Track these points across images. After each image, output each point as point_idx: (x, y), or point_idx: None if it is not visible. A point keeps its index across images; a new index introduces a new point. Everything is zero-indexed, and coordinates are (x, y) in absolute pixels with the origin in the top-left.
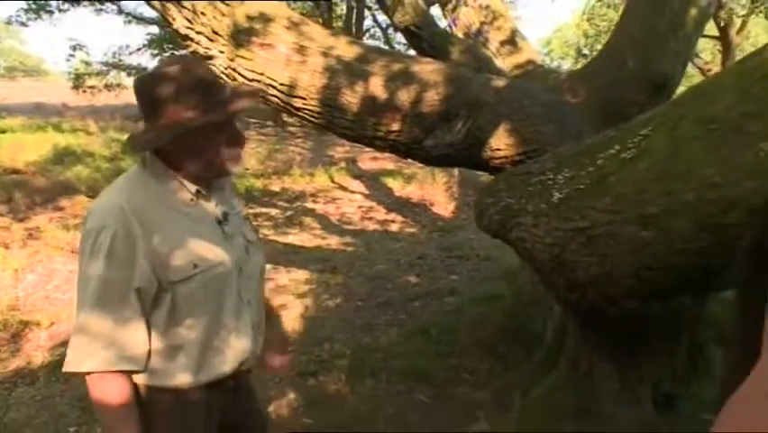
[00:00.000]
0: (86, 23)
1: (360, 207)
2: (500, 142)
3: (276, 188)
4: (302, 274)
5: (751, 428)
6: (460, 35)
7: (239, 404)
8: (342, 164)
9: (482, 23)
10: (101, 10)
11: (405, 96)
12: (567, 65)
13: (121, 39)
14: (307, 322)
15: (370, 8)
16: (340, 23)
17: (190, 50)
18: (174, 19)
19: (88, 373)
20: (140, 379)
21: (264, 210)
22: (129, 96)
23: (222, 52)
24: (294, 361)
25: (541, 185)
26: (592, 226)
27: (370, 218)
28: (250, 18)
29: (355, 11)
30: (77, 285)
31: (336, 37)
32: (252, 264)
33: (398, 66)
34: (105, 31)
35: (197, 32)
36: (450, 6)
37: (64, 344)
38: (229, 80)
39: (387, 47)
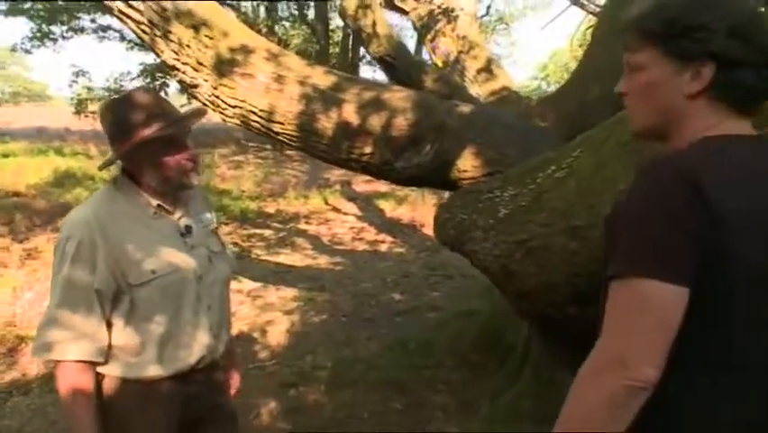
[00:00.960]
0: (89, 49)
1: (351, 228)
2: (467, 164)
3: (271, 209)
4: (290, 292)
5: (580, 403)
6: (439, 63)
7: (204, 398)
8: (337, 187)
9: (460, 53)
10: (104, 37)
11: (376, 122)
12: None
13: (122, 65)
14: (292, 337)
15: None
16: (338, 49)
17: (177, 79)
18: (162, 51)
19: (76, 362)
20: (112, 371)
21: (258, 231)
22: None
23: (206, 81)
24: (277, 373)
25: (489, 201)
26: (531, 239)
27: (360, 239)
28: (232, 50)
29: (351, 39)
30: (51, 285)
31: (312, 67)
32: (215, 273)
33: (370, 93)
34: (107, 57)
35: (183, 63)
36: (429, 36)
37: None
38: (213, 107)
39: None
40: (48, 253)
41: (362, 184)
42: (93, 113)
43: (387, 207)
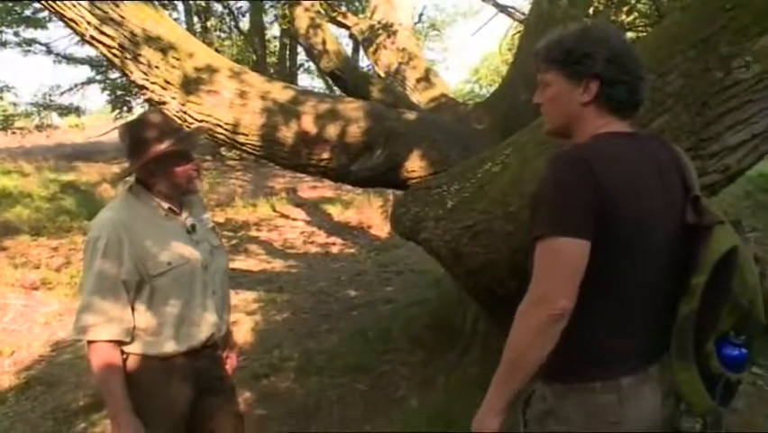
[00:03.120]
0: (13, 63)
1: (302, 232)
2: (414, 165)
3: (220, 219)
4: (250, 295)
5: (518, 332)
6: (381, 74)
7: (211, 371)
8: (283, 194)
9: (400, 64)
10: (29, 51)
11: (332, 130)
12: None
13: (50, 79)
14: (258, 334)
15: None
16: (274, 59)
17: (146, 97)
18: (132, 72)
19: (107, 342)
20: (135, 349)
21: None
22: (61, 137)
23: (174, 98)
24: (247, 367)
25: (438, 195)
26: (475, 224)
27: (311, 242)
28: (198, 69)
29: (288, 47)
30: (83, 277)
31: (272, 83)
32: (216, 264)
33: (325, 105)
34: (33, 71)
35: (152, 83)
36: (371, 49)
37: (29, 368)
38: (181, 122)
39: (320, 79)
40: None
41: (308, 190)
42: (20, 129)
43: (334, 211)
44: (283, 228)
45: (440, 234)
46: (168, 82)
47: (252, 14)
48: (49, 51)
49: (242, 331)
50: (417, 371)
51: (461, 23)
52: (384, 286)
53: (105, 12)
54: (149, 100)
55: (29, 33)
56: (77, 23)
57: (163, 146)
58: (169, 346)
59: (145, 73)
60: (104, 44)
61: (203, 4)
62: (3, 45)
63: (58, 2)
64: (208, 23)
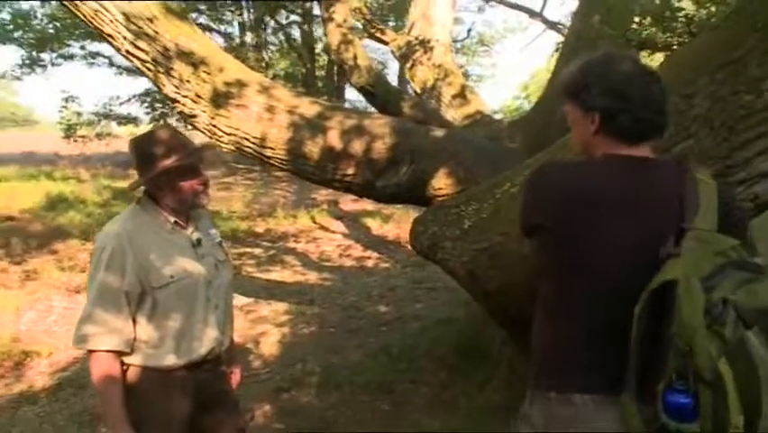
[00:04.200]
0: (79, 74)
1: (339, 245)
2: (441, 182)
3: (260, 229)
4: (281, 306)
5: None
6: (417, 90)
7: (212, 385)
8: (325, 206)
9: (436, 80)
10: (93, 63)
11: (357, 146)
12: None
13: (111, 90)
14: (284, 347)
15: None
16: (323, 72)
17: (177, 110)
18: (164, 85)
19: (107, 352)
20: (135, 360)
21: (248, 250)
22: (119, 145)
23: (204, 112)
24: (270, 379)
25: (456, 215)
26: (492, 246)
27: (347, 255)
28: (227, 84)
29: (336, 64)
30: (87, 287)
31: (299, 97)
32: (221, 278)
33: (352, 120)
34: (96, 82)
35: (183, 96)
36: (408, 65)
37: (63, 370)
38: (210, 135)
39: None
40: (46, 274)
41: (349, 203)
42: (82, 137)
43: (373, 224)
44: (321, 240)
45: (457, 255)
46: (198, 96)
47: (303, 29)
48: (111, 64)
49: (269, 343)
50: (439, 392)
51: (510, 39)
52: (415, 303)
53: (139, 27)
54: (181, 113)
55: (94, 47)
56: (113, 38)
57: (170, 161)
58: (169, 359)
59: (177, 87)
60: (138, 58)
61: (260, 18)
62: (70, 58)
63: (97, 18)
64: (261, 38)
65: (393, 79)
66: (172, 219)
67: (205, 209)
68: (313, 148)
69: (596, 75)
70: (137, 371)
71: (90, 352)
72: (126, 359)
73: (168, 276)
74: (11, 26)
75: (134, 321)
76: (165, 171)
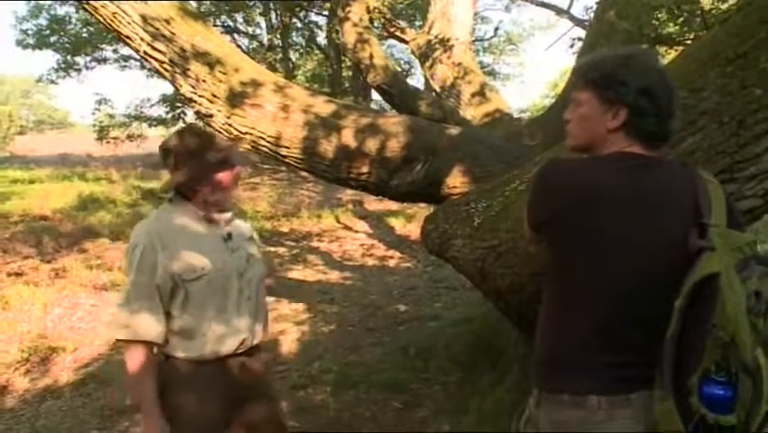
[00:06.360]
0: (111, 77)
1: (362, 244)
2: (456, 181)
3: (285, 228)
4: (302, 305)
5: None
6: (437, 88)
7: (246, 376)
8: (349, 206)
9: (455, 78)
10: (125, 66)
11: (372, 145)
12: None
13: (143, 92)
14: (302, 345)
15: None
16: (349, 72)
17: (194, 109)
18: (181, 86)
19: (142, 343)
20: (168, 351)
21: (272, 249)
22: (150, 146)
23: (220, 111)
24: (287, 377)
25: (466, 213)
26: (501, 244)
27: (370, 255)
28: (243, 84)
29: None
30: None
31: (314, 96)
32: (252, 271)
33: (366, 119)
34: (128, 85)
35: (200, 96)
36: (428, 64)
37: (87, 365)
38: (226, 134)
39: None
40: (74, 272)
41: (374, 203)
42: (114, 139)
43: (397, 224)
44: (344, 240)
45: (467, 253)
46: (214, 96)
47: (329, 30)
48: (142, 66)
49: (288, 341)
50: (453, 391)
51: (538, 37)
52: (434, 302)
53: (156, 29)
54: (197, 113)
55: (126, 50)
56: (131, 40)
57: (205, 156)
58: (202, 350)
59: (193, 87)
60: (155, 59)
61: (285, 20)
62: (103, 61)
63: (115, 21)
64: (287, 39)
65: (420, 79)
66: (203, 214)
67: (235, 205)
68: (327, 147)
69: (636, 72)
70: (170, 362)
71: (125, 344)
72: (159, 350)
73: (199, 268)
74: (47, 31)
75: (168, 314)
76: (202, 165)
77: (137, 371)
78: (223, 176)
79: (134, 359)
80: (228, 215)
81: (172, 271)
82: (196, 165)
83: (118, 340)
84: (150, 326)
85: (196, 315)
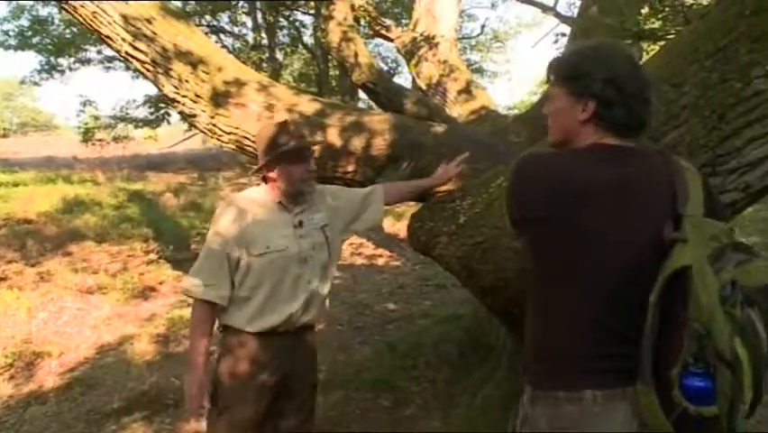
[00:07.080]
0: (96, 79)
1: (350, 243)
2: None
3: None
4: None
5: None
6: (422, 86)
7: (296, 358)
8: None
9: (441, 76)
10: (110, 67)
11: (357, 143)
12: None
13: (128, 93)
14: None
15: None
16: (338, 72)
17: (178, 110)
18: (164, 86)
19: (205, 301)
20: (223, 319)
21: None
22: (136, 148)
23: (203, 111)
24: None
25: (452, 210)
26: (485, 241)
27: (359, 254)
28: (226, 83)
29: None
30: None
31: (299, 96)
32: (317, 258)
33: (351, 118)
34: (113, 86)
35: (183, 96)
36: (413, 62)
37: (72, 370)
38: (210, 134)
39: None
40: (59, 276)
41: None
42: (100, 141)
43: (385, 223)
44: None
45: (452, 251)
46: (198, 95)
47: (315, 29)
48: (127, 68)
49: None
50: (442, 389)
51: (525, 35)
52: (423, 300)
53: (137, 28)
54: (181, 113)
55: (110, 51)
56: (112, 40)
57: (287, 147)
58: (248, 321)
59: (176, 87)
60: (137, 59)
61: (270, 19)
62: (87, 62)
63: (96, 21)
64: (274, 39)
65: (407, 78)
66: (279, 200)
67: (321, 195)
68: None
69: (601, 62)
70: (226, 330)
71: (192, 300)
72: (220, 321)
73: (265, 246)
74: (29, 32)
75: (232, 283)
76: (281, 156)
77: (194, 326)
78: (293, 169)
79: (196, 315)
80: (303, 205)
81: (243, 243)
82: (270, 155)
83: (186, 294)
84: (215, 288)
85: (251, 287)
